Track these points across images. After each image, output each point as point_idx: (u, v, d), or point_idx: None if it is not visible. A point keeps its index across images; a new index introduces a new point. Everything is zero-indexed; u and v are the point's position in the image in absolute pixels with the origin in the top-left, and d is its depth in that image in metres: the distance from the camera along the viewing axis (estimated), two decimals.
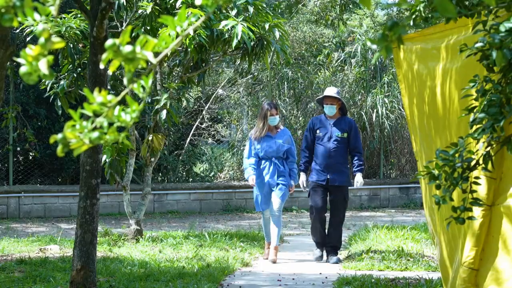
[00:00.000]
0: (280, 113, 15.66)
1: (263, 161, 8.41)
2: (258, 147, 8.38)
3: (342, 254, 8.69)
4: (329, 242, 8.37)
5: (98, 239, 6.62)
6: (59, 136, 1.50)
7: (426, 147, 4.91)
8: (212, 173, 15.58)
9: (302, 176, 8.46)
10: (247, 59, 9.08)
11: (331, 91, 8.45)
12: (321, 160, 8.31)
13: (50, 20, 1.57)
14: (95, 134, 1.51)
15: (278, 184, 8.35)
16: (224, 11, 8.53)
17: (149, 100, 9.23)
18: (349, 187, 8.57)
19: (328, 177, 8.28)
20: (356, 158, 8.37)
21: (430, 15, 3.05)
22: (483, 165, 3.15)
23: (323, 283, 7.01)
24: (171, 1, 8.63)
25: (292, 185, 8.44)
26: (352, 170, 8.60)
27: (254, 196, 8.61)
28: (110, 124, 1.54)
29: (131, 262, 7.81)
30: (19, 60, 1.54)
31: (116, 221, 12.55)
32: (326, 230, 8.46)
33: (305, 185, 8.45)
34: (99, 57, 5.91)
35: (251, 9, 8.55)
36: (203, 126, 15.65)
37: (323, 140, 8.33)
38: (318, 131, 8.38)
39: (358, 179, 8.37)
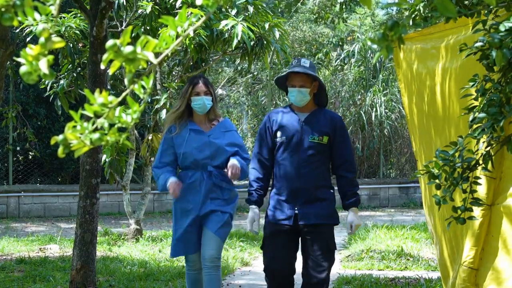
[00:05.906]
0: None
1: (189, 173, 4.98)
2: (180, 151, 4.97)
3: (342, 253, 8.68)
4: None
5: (98, 238, 6.63)
6: (60, 137, 1.50)
7: (425, 146, 4.91)
8: None
9: (251, 212, 4.78)
10: (247, 58, 9.08)
11: (301, 64, 4.81)
12: (285, 182, 4.74)
13: (50, 19, 1.57)
14: (96, 135, 1.51)
15: (213, 211, 4.92)
16: (224, 10, 8.53)
17: (149, 100, 9.23)
18: (335, 226, 4.82)
19: (297, 211, 4.69)
20: (344, 181, 4.79)
21: (429, 15, 3.05)
22: (483, 165, 3.15)
23: None
24: (171, 1, 8.63)
25: (235, 165, 4.86)
26: (343, 203, 4.82)
27: (173, 230, 5.08)
28: (111, 125, 1.54)
29: (131, 261, 7.81)
30: (19, 59, 1.54)
31: (116, 220, 12.55)
32: None
33: (254, 226, 4.78)
34: (99, 57, 5.92)
35: (251, 8, 8.55)
36: None
37: (289, 148, 4.76)
38: (279, 134, 4.81)
39: (352, 219, 4.73)
